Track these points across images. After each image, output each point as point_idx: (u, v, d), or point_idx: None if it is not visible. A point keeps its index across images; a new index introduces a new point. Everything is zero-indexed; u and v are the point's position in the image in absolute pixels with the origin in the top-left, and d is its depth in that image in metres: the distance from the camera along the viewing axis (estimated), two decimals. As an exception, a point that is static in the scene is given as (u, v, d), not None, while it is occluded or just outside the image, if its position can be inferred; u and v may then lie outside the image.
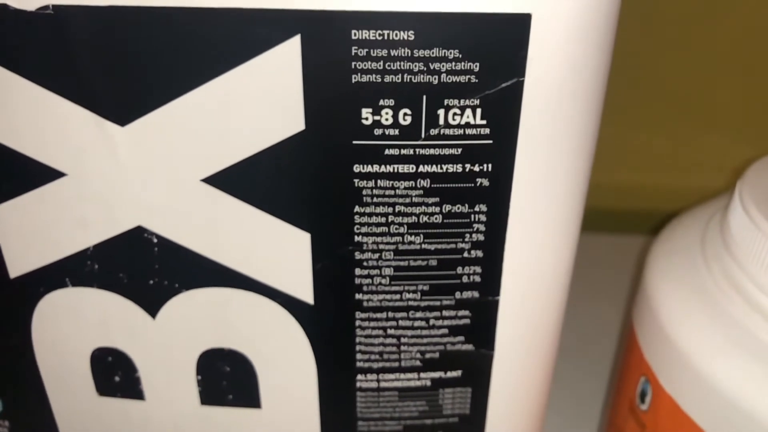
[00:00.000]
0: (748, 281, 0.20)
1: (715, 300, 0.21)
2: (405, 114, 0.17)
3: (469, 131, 0.17)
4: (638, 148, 0.44)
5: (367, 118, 0.17)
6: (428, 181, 0.18)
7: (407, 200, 0.18)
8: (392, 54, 0.16)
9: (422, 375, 0.21)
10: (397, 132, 0.17)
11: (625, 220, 0.47)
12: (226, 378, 0.21)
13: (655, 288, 0.23)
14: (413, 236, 0.19)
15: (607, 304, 0.40)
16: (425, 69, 0.16)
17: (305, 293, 0.20)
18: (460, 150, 0.17)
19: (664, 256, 0.24)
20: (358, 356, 0.21)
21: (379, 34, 0.16)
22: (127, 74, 0.17)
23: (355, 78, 0.16)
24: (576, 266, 0.22)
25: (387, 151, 0.17)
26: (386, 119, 0.17)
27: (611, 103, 0.22)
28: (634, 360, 0.24)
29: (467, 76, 0.16)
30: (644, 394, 0.23)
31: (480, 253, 0.19)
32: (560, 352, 0.28)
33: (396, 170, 0.18)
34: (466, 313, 0.20)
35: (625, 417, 0.25)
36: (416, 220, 0.18)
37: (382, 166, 0.18)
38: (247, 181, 0.18)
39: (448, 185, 0.18)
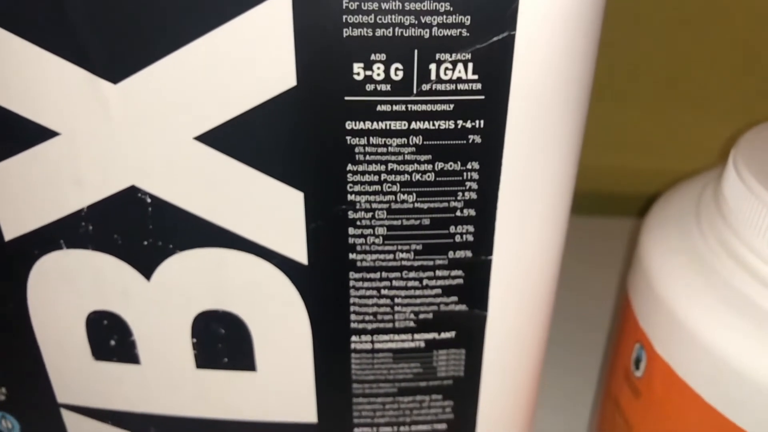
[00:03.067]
0: (741, 246, 0.21)
1: (709, 265, 0.21)
2: (396, 69, 0.17)
3: (460, 86, 0.17)
4: (629, 131, 0.45)
5: (358, 74, 0.17)
6: (420, 138, 0.18)
7: (399, 158, 0.18)
8: (383, 7, 0.16)
9: (416, 336, 0.21)
10: (388, 87, 0.17)
11: (615, 203, 0.47)
12: (221, 341, 0.21)
13: (650, 255, 0.23)
14: (406, 195, 0.19)
15: (598, 285, 0.40)
16: (416, 22, 0.16)
17: (299, 253, 0.20)
18: (452, 106, 0.17)
19: (659, 224, 0.24)
20: (353, 317, 0.21)
21: (371, -13, 0.16)
22: (118, 31, 0.17)
23: (346, 32, 0.16)
24: (566, 248, 0.22)
25: (379, 107, 0.17)
26: (378, 74, 0.17)
27: (602, 86, 0.22)
28: (629, 327, 0.24)
29: (458, 30, 0.16)
30: (639, 361, 0.23)
31: (473, 212, 0.19)
32: (553, 335, 0.28)
33: (388, 127, 0.18)
34: (460, 272, 0.20)
35: (620, 385, 0.25)
36: (409, 179, 0.18)
37: (375, 123, 0.18)
38: (240, 138, 0.18)
39: (440, 142, 0.18)
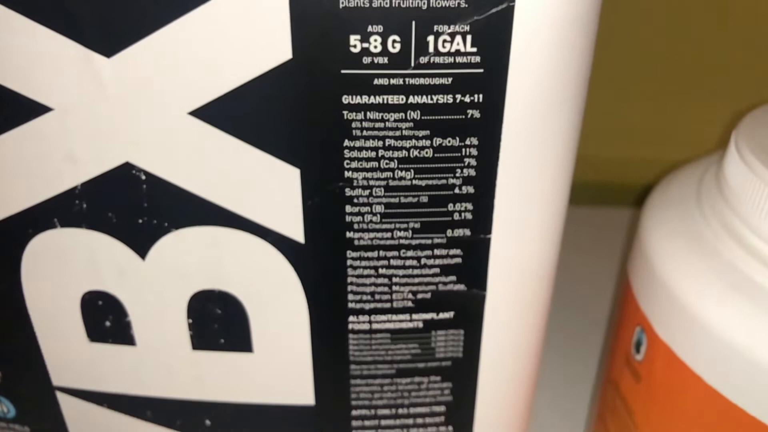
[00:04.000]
0: (743, 226, 0.20)
1: (710, 246, 0.21)
2: (394, 41, 0.17)
3: (459, 59, 0.17)
4: (627, 121, 0.44)
5: (355, 46, 0.17)
6: (418, 112, 0.18)
7: (397, 133, 0.18)
8: (380, -23, 0.16)
9: (414, 316, 0.21)
10: (386, 60, 0.17)
11: (612, 193, 0.47)
12: (218, 321, 0.21)
13: (651, 237, 0.23)
14: (404, 171, 0.19)
15: (596, 274, 0.40)
16: (414, -7, 0.16)
17: (296, 232, 0.19)
18: (450, 79, 0.17)
19: (660, 207, 0.24)
20: (350, 297, 0.20)
21: (367, -44, 0.16)
22: (111, 3, 0.16)
23: (342, 3, 0.16)
24: (564, 237, 0.22)
25: (376, 81, 0.17)
26: (375, 47, 0.17)
27: (600, 76, 0.22)
28: (630, 310, 0.24)
29: (456, 1, 0.16)
30: (639, 344, 0.23)
31: (471, 189, 0.19)
32: (553, 323, 0.28)
33: (385, 101, 0.17)
34: (458, 251, 0.20)
35: (620, 369, 0.24)
36: (407, 155, 0.18)
37: (372, 97, 0.17)
38: (235, 113, 0.18)
39: (439, 117, 0.18)
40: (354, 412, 0.23)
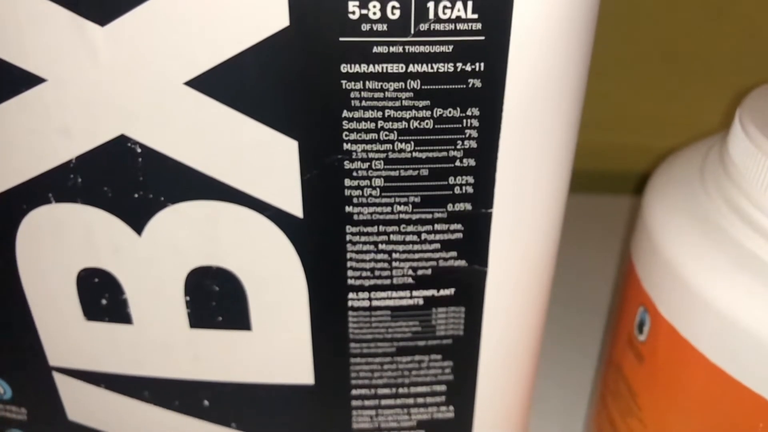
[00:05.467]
0: (748, 203, 0.20)
1: (714, 224, 0.21)
2: (393, 7, 0.16)
3: (460, 26, 0.16)
4: (625, 108, 0.44)
5: (354, 12, 0.16)
6: (418, 82, 0.17)
7: (397, 104, 0.18)
8: (379, -60, 0.15)
9: (414, 293, 0.21)
10: (385, 27, 0.16)
11: (610, 180, 0.47)
12: (215, 298, 0.21)
13: (654, 217, 0.22)
14: (404, 143, 0.18)
15: (594, 261, 0.40)
16: (413, -43, 0.16)
17: (294, 206, 0.19)
18: (451, 47, 0.17)
19: (663, 185, 0.23)
20: (350, 273, 0.20)
21: None
22: (105, -31, 0.16)
23: (341, -32, 0.16)
24: (563, 224, 0.21)
25: (375, 49, 0.17)
26: (374, 13, 0.16)
27: (599, 61, 0.21)
28: (633, 291, 0.23)
29: (457, -35, 0.16)
30: (642, 324, 0.23)
31: (472, 162, 0.18)
32: (552, 309, 0.28)
33: (385, 70, 0.17)
34: (459, 226, 0.19)
35: (623, 351, 0.24)
36: (407, 126, 0.18)
37: (371, 66, 0.17)
38: (231, 83, 0.17)
39: (439, 87, 0.17)
40: (354, 392, 0.23)
